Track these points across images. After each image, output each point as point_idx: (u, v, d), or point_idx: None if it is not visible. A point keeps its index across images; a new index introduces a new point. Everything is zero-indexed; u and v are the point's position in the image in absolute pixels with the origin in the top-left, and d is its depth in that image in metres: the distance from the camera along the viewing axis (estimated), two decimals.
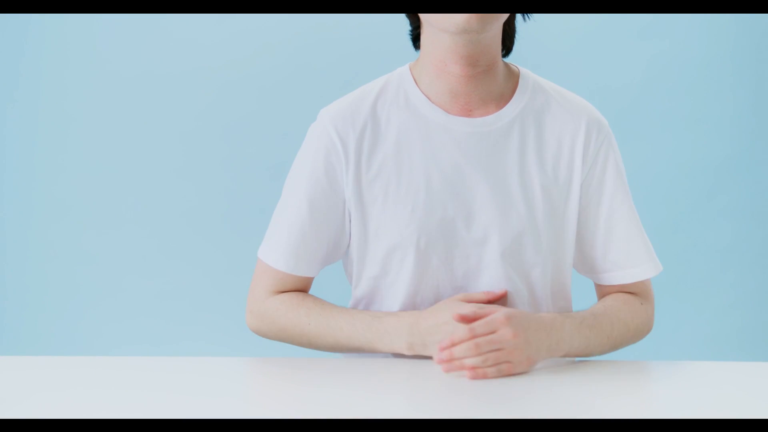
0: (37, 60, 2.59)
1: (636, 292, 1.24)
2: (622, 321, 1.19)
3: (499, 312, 1.07)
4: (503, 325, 1.05)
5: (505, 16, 1.11)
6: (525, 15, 1.19)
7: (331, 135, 1.17)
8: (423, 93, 1.17)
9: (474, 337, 1.04)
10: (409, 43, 1.24)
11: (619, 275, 1.22)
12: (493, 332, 1.05)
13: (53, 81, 2.59)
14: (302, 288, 1.24)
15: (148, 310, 2.61)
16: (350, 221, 1.19)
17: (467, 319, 1.07)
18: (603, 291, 1.26)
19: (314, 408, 0.91)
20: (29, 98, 2.60)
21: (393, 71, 1.22)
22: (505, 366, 1.05)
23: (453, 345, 1.04)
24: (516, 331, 1.05)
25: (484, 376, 1.04)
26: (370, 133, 1.17)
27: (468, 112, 1.16)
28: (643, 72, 2.57)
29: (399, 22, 1.24)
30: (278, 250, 1.20)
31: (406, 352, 1.13)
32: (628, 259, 1.21)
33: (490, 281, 1.17)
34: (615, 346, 1.19)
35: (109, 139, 2.60)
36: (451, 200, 1.15)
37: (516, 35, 1.22)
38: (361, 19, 2.53)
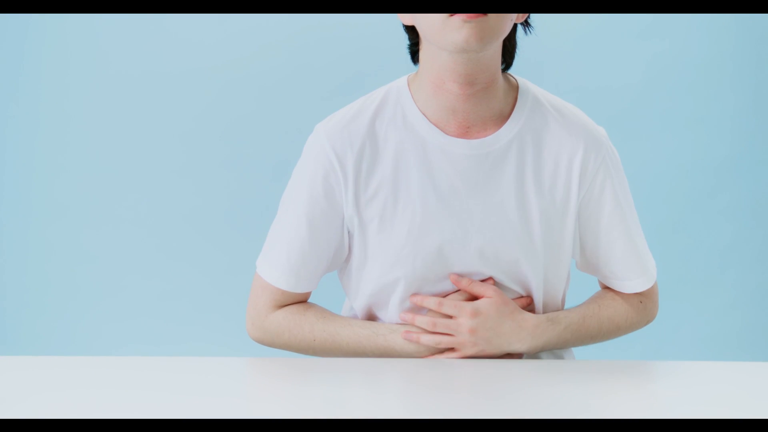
0: (37, 60, 2.59)
1: (639, 291, 1.25)
2: (614, 323, 1.23)
3: (475, 303, 1.14)
4: (467, 317, 1.13)
5: (505, 33, 1.08)
6: (526, 28, 1.17)
7: (329, 155, 1.15)
8: (420, 110, 1.15)
9: (438, 312, 1.14)
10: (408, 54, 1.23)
11: (618, 284, 1.25)
12: (454, 318, 1.13)
13: (53, 81, 2.59)
14: (303, 299, 1.25)
15: (149, 311, 2.60)
16: (349, 237, 1.18)
17: (458, 284, 1.16)
18: (606, 286, 1.29)
19: (314, 408, 0.91)
20: (29, 98, 2.60)
21: (392, 83, 1.20)
22: (452, 352, 1.14)
23: (420, 307, 1.16)
24: (475, 328, 1.12)
25: (432, 354, 1.15)
26: (368, 153, 1.15)
27: (466, 130, 1.14)
28: (643, 72, 2.57)
29: (398, 21, 1.23)
30: (278, 269, 1.19)
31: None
32: (625, 273, 1.23)
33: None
34: (600, 341, 1.24)
35: (109, 139, 2.60)
36: (448, 222, 1.14)
37: (517, 50, 1.20)
38: (361, 19, 2.53)
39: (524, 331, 1.15)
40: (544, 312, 1.21)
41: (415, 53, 1.19)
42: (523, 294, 1.20)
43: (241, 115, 2.58)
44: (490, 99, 1.14)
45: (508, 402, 0.94)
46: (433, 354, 1.16)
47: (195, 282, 2.60)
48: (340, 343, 1.19)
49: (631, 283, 1.24)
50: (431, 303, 1.15)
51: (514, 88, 1.19)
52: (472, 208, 1.14)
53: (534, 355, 1.22)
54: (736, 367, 1.10)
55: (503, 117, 1.16)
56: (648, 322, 1.28)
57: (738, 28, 2.56)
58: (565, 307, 1.26)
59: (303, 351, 1.22)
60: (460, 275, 1.16)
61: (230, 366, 1.11)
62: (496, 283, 1.17)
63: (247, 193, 2.56)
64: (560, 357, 1.26)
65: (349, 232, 1.18)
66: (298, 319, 1.21)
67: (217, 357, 1.13)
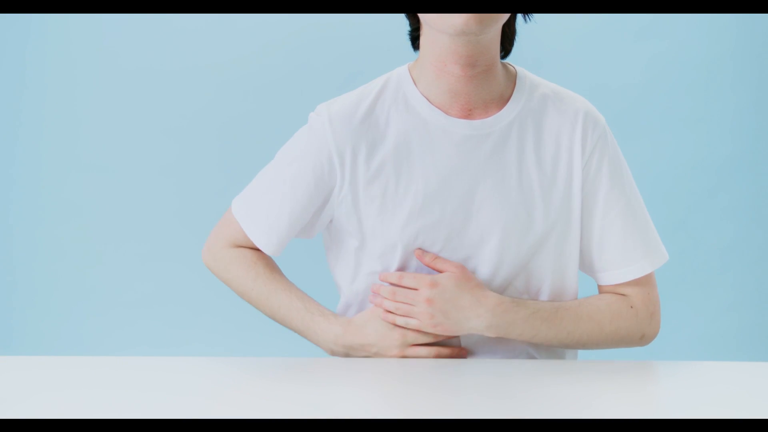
0: (42, 61, 2.59)
1: (630, 294, 1.21)
2: (595, 321, 1.18)
3: (434, 276, 1.14)
4: (425, 287, 1.13)
5: (505, 17, 1.10)
6: (526, 16, 1.19)
7: (327, 136, 1.16)
8: (422, 94, 1.17)
9: (398, 285, 1.15)
10: (408, 42, 1.24)
11: (614, 275, 1.21)
12: (414, 289, 1.14)
13: (60, 82, 2.59)
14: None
15: (150, 314, 2.61)
16: (334, 221, 1.20)
17: (422, 259, 1.16)
18: (600, 290, 1.26)
19: (311, 408, 0.91)
20: (36, 99, 2.60)
21: (392, 71, 1.21)
22: (414, 322, 1.14)
23: (384, 280, 1.17)
24: (432, 299, 1.13)
25: (393, 322, 1.15)
26: (368, 136, 1.16)
27: (468, 112, 1.16)
28: (643, 72, 2.57)
29: (398, 20, 1.23)
30: (253, 221, 1.22)
31: (327, 354, 1.21)
32: (624, 257, 1.19)
33: (488, 283, 1.18)
34: (584, 344, 1.19)
35: (111, 141, 2.60)
36: (449, 202, 1.15)
37: (516, 36, 1.22)
38: (359, 17, 2.53)
39: (483, 307, 1.13)
40: None
41: (415, 39, 1.21)
42: (525, 289, 1.19)
43: (239, 115, 2.58)
44: (491, 81, 1.16)
45: (507, 402, 0.94)
46: (387, 319, 1.16)
47: (193, 283, 2.60)
48: (272, 304, 1.23)
49: (629, 269, 1.19)
50: (393, 277, 1.16)
51: (512, 75, 1.21)
52: (473, 187, 1.15)
53: (531, 355, 1.22)
54: (736, 367, 1.10)
55: (504, 100, 1.18)
56: (643, 336, 1.21)
57: (738, 28, 2.56)
58: None
59: (240, 294, 1.26)
60: (425, 251, 1.16)
61: (227, 366, 1.11)
62: (500, 277, 1.17)
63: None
64: (561, 357, 1.25)
65: (332, 216, 1.20)
66: (248, 263, 1.24)
67: (215, 357, 1.13)
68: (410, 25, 1.21)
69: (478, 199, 1.15)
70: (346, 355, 1.19)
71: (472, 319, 1.13)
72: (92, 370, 1.06)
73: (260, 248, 1.23)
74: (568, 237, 1.19)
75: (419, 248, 1.16)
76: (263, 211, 1.22)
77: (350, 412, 0.89)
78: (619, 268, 1.20)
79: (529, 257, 1.17)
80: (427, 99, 1.16)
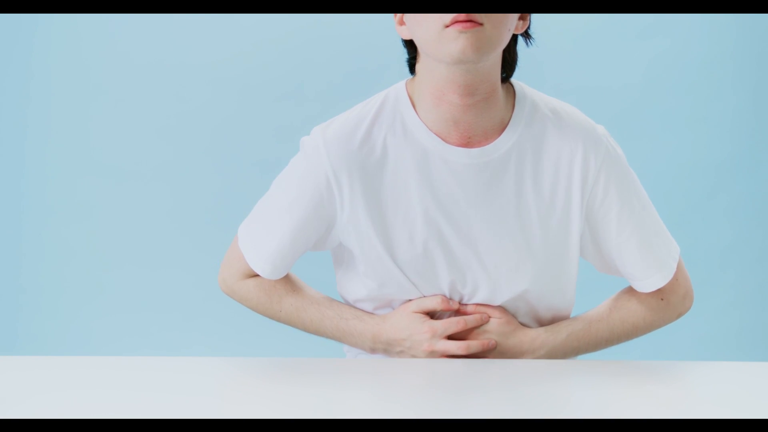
0: (48, 61, 2.59)
1: (661, 287, 1.23)
2: (629, 324, 1.23)
3: (483, 327, 1.18)
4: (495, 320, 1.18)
5: (503, 44, 1.07)
6: (528, 40, 1.16)
7: (322, 160, 1.14)
8: (421, 120, 1.14)
9: (464, 322, 1.17)
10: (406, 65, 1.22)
11: (638, 285, 1.23)
12: (485, 322, 1.18)
13: (66, 83, 2.59)
14: None
15: (153, 315, 2.60)
16: (334, 241, 1.20)
17: (464, 311, 1.19)
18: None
19: (307, 408, 0.91)
20: (40, 101, 2.60)
21: (388, 90, 1.19)
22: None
23: (445, 331, 1.17)
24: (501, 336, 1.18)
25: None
26: (365, 161, 1.14)
27: (467, 139, 1.13)
28: (643, 72, 2.58)
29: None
30: (257, 255, 1.21)
31: (369, 353, 1.23)
32: (643, 272, 1.21)
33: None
34: (619, 343, 1.24)
35: (114, 141, 2.60)
36: (448, 229, 1.14)
37: (518, 62, 1.18)
38: (357, 16, 2.53)
39: (524, 345, 1.18)
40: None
41: (413, 66, 1.18)
42: (524, 311, 1.20)
43: (239, 115, 2.58)
44: (491, 108, 1.13)
45: (508, 402, 0.94)
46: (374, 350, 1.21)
47: (191, 285, 2.60)
48: (303, 319, 1.24)
49: (650, 281, 1.21)
50: (454, 322, 1.17)
51: (512, 95, 1.18)
52: (472, 216, 1.14)
53: None
54: (736, 367, 1.10)
55: (504, 125, 1.15)
56: (679, 315, 1.26)
57: (738, 28, 2.56)
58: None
59: (268, 317, 1.27)
60: (464, 304, 1.19)
61: (226, 366, 1.11)
62: (499, 302, 1.19)
63: (243, 194, 2.56)
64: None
65: (339, 237, 1.19)
66: (267, 290, 1.25)
67: (214, 357, 1.13)
68: (408, 53, 1.18)
69: (476, 227, 1.14)
70: (385, 352, 1.20)
71: (517, 356, 1.19)
72: (94, 371, 1.06)
73: (268, 277, 1.22)
74: (567, 260, 1.19)
75: (458, 304, 1.19)
76: (265, 243, 1.20)
77: (349, 413, 0.89)
78: (641, 280, 1.22)
79: (528, 282, 1.17)
80: (426, 125, 1.14)
